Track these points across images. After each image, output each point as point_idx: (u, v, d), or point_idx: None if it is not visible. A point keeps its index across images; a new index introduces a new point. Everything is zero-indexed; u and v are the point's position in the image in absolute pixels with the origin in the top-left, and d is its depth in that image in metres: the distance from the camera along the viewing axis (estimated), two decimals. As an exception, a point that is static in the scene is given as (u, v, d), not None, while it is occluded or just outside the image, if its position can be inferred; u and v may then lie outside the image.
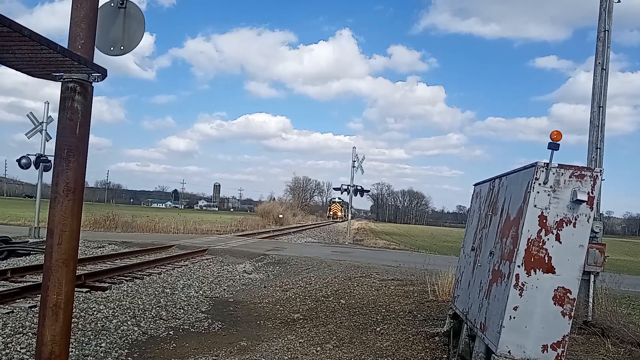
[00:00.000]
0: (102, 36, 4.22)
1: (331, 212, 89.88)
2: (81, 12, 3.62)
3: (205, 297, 9.82)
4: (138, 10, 4.40)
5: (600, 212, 8.10)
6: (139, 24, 4.40)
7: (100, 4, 3.86)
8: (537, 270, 4.13)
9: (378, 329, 7.45)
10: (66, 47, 3.35)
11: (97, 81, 3.47)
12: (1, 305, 7.21)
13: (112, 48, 4.33)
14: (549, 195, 4.15)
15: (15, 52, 3.03)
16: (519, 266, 4.14)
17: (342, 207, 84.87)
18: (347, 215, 69.62)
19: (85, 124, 3.49)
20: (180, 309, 8.50)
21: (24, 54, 3.05)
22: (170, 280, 10.93)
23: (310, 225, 52.45)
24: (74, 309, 5.90)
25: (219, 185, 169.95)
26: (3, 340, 5.66)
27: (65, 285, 3.38)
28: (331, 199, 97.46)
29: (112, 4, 4.40)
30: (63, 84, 3.42)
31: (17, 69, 3.33)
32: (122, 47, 4.34)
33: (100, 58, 4.06)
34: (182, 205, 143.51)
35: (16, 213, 34.56)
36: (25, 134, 17.39)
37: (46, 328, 3.34)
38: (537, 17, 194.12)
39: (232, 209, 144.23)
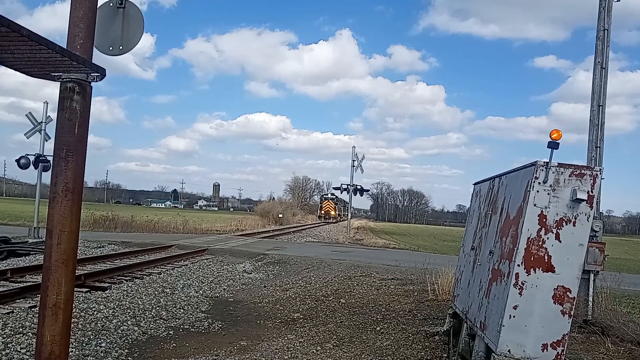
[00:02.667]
0: (101, 36, 4.21)
1: (322, 212, 68.90)
2: (80, 12, 3.61)
3: (205, 296, 9.83)
4: (137, 10, 4.40)
5: (600, 211, 8.10)
6: (138, 24, 4.39)
7: (99, 4, 3.85)
8: (537, 269, 4.13)
9: (378, 328, 7.45)
10: (65, 47, 3.34)
11: (96, 81, 3.47)
12: (1, 306, 7.21)
13: (111, 48, 4.33)
14: (548, 194, 4.15)
15: (14, 52, 3.03)
16: (518, 265, 4.15)
17: (337, 204, 69.14)
18: (347, 215, 66.88)
19: (84, 124, 3.48)
20: (180, 308, 8.50)
21: (22, 54, 3.04)
22: (170, 280, 10.93)
23: (310, 224, 52.37)
24: (74, 309, 5.90)
25: (219, 185, 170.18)
26: (3, 340, 5.65)
27: (64, 285, 3.38)
28: (323, 195, 76.29)
29: (111, 4, 4.39)
30: (62, 84, 3.42)
31: (16, 69, 3.32)
32: (121, 47, 4.33)
33: (100, 58, 4.06)
34: (182, 205, 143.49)
35: (15, 212, 34.53)
36: (25, 134, 17.39)
37: (46, 328, 3.34)
38: (536, 18, 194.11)
39: (231, 209, 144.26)
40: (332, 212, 68.62)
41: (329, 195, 71.51)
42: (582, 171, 4.18)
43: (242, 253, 16.89)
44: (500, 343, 4.15)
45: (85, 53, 3.54)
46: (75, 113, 3.39)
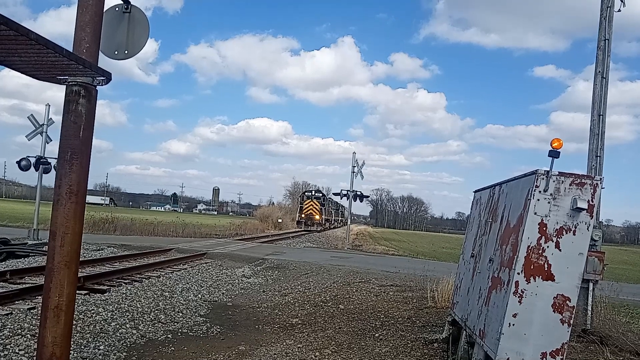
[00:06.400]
0: (107, 40, 4.24)
1: (303, 215, 48.21)
2: (86, 17, 3.65)
3: (204, 300, 9.81)
4: (142, 15, 4.43)
5: (600, 220, 8.11)
6: (143, 28, 4.43)
7: (105, 9, 3.89)
8: (537, 277, 4.15)
9: (377, 335, 7.44)
10: (71, 51, 3.37)
11: (102, 85, 3.50)
12: (0, 307, 7.21)
13: (116, 52, 4.36)
14: (549, 202, 4.17)
15: (22, 56, 3.06)
16: (518, 273, 4.16)
17: (324, 206, 49.95)
18: (339, 221, 61.92)
19: (89, 127, 3.51)
20: (178, 312, 8.49)
21: (30, 57, 3.08)
22: (169, 283, 10.92)
23: (309, 229, 52.01)
24: (73, 312, 5.90)
25: (218, 189, 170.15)
26: (2, 342, 5.65)
27: (67, 287, 3.40)
28: (304, 192, 55.32)
29: (117, 9, 4.43)
30: (68, 88, 3.45)
31: (22, 72, 3.35)
32: (126, 52, 4.37)
33: (104, 62, 4.09)
34: (181, 209, 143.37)
35: (15, 214, 34.48)
36: (26, 136, 17.41)
37: (47, 330, 3.35)
38: (536, 28, 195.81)
39: (231, 213, 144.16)
40: (316, 217, 48.57)
41: (312, 192, 52.58)
42: (583, 180, 4.21)
43: (241, 257, 16.87)
44: (500, 351, 4.15)
45: (91, 57, 3.57)
46: (81, 116, 3.42)
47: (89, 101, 3.49)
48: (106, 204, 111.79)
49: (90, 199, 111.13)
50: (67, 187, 3.43)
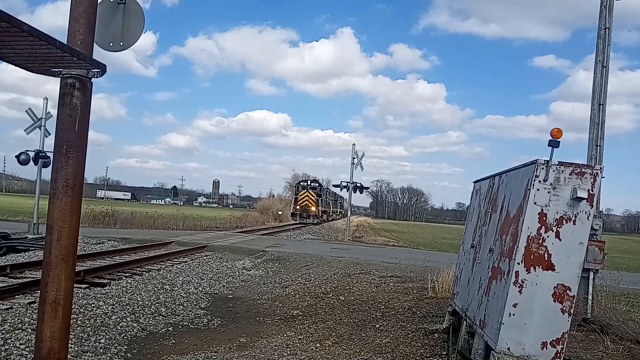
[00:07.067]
0: (102, 32, 4.20)
1: (298, 207, 44.00)
2: (80, 8, 3.60)
3: (205, 293, 9.83)
4: (137, 6, 4.38)
5: (600, 209, 8.10)
6: (138, 20, 4.38)
7: (99, 0, 3.84)
8: (537, 267, 4.14)
9: (377, 326, 7.45)
10: (65, 43, 3.33)
11: (97, 77, 3.46)
12: (0, 302, 7.21)
13: (111, 44, 4.32)
14: (549, 192, 4.15)
15: (14, 48, 3.02)
16: (518, 263, 4.15)
17: (320, 197, 45.49)
18: (338, 212, 60.85)
19: (84, 120, 3.48)
20: (179, 305, 8.50)
21: (23, 49, 3.03)
22: (170, 276, 10.93)
23: (305, 222, 51.41)
24: (74, 305, 5.89)
25: (218, 182, 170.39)
26: (2, 336, 5.66)
27: (64, 281, 3.38)
28: (299, 182, 51.23)
29: (112, 0, 4.38)
30: (62, 80, 3.41)
31: (16, 65, 3.31)
32: (121, 43, 4.32)
33: (102, 55, 4.05)
34: (181, 202, 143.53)
35: (15, 208, 34.49)
36: (24, 130, 17.35)
37: (45, 324, 3.34)
38: (536, 18, 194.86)
39: (231, 206, 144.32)
40: (313, 208, 44.38)
41: (309, 182, 48.61)
42: (583, 170, 4.18)
43: (241, 250, 16.89)
44: (500, 341, 4.15)
45: (85, 49, 3.53)
46: (76, 109, 3.38)
47: (84, 94, 3.44)
48: (127, 199, 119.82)
49: (113, 194, 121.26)
50: (63, 181, 3.40)
